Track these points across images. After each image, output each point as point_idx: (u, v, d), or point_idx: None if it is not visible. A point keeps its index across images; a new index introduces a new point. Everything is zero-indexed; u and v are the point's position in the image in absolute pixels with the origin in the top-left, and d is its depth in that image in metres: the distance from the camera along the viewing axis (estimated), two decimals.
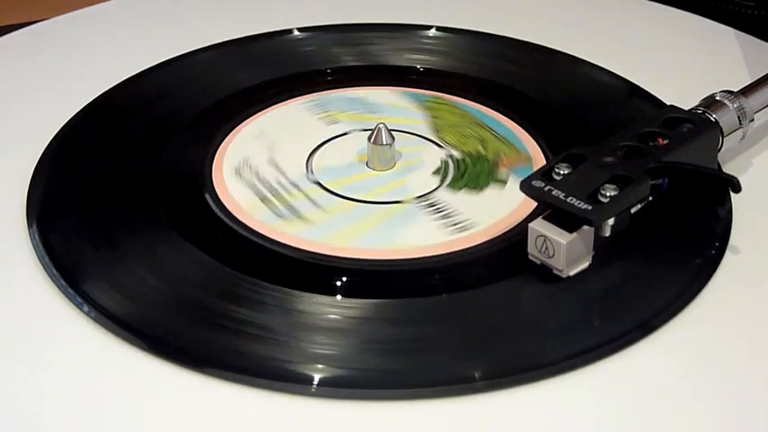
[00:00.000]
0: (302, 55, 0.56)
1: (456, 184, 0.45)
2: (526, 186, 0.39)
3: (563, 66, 0.55)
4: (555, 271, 0.38)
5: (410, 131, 0.49)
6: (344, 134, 0.49)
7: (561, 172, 0.39)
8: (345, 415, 0.34)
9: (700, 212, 0.42)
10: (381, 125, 0.46)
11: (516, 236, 0.41)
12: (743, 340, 0.37)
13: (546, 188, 0.39)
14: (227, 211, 0.43)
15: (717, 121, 0.44)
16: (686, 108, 0.44)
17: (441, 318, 0.38)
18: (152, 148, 0.47)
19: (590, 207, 0.38)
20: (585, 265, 0.39)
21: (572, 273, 0.38)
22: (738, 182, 0.39)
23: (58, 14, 0.61)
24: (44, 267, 0.40)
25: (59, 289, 0.38)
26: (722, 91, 0.45)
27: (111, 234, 0.42)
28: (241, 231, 0.42)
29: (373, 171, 0.46)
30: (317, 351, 0.36)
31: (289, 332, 0.37)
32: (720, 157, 0.45)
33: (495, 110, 0.51)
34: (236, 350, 0.36)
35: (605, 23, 0.61)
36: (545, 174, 0.39)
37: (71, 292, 0.38)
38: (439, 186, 0.45)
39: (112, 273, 0.39)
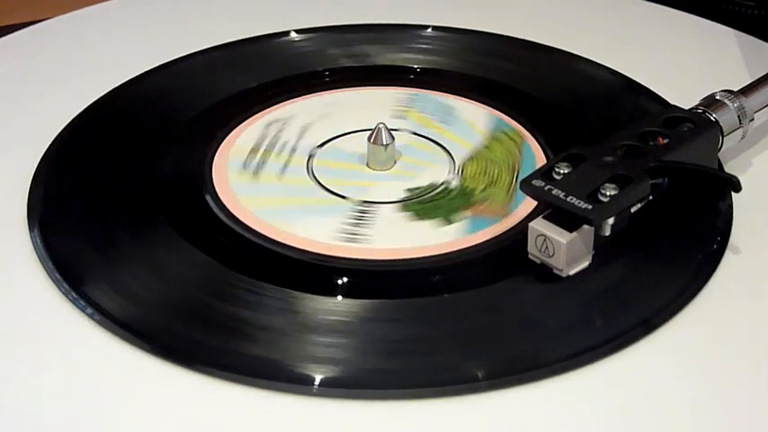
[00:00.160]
0: (302, 56, 0.56)
1: (411, 206, 0.44)
2: (526, 185, 0.39)
3: (563, 66, 0.55)
4: (555, 270, 0.38)
5: (446, 148, 0.48)
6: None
7: (561, 171, 0.39)
8: (346, 415, 0.34)
9: (700, 212, 0.42)
10: (381, 125, 0.46)
11: (516, 235, 0.41)
12: (743, 340, 0.37)
13: (546, 187, 0.39)
14: (228, 211, 0.43)
15: (717, 121, 0.43)
16: (686, 108, 0.44)
17: (440, 318, 0.38)
18: (152, 150, 0.47)
19: (590, 206, 0.38)
20: (585, 264, 0.39)
21: (572, 272, 0.38)
22: (738, 181, 0.39)
23: (59, 14, 0.61)
24: (44, 268, 0.40)
25: (60, 290, 0.39)
26: (722, 90, 0.45)
27: (111, 235, 0.42)
28: (241, 232, 0.42)
29: (371, 170, 0.46)
30: (318, 351, 0.36)
31: (289, 332, 0.37)
32: (721, 156, 0.45)
33: (497, 109, 0.51)
34: (236, 350, 0.36)
35: (604, 25, 0.61)
36: (545, 173, 0.39)
37: (73, 295, 0.38)
38: (397, 202, 0.44)
39: (113, 273, 0.39)
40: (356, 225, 0.42)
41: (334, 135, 0.49)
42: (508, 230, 0.42)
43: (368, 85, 0.53)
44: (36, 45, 0.58)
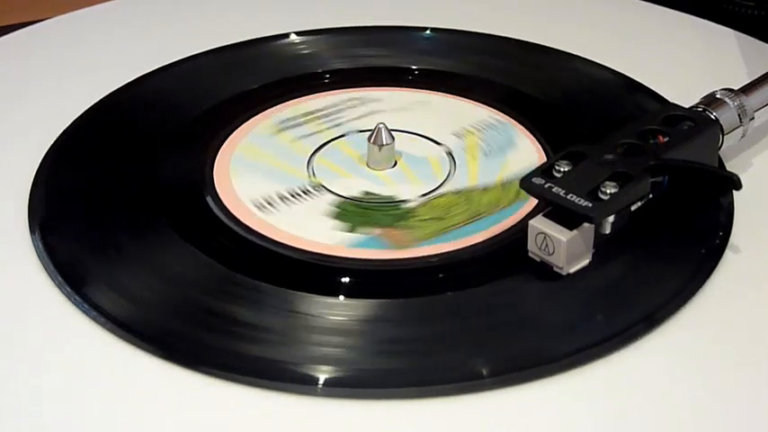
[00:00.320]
0: (301, 58, 0.56)
1: (346, 205, 0.44)
2: (527, 183, 0.39)
3: (563, 65, 0.55)
4: (555, 268, 0.38)
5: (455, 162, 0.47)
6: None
7: (561, 169, 0.39)
8: (349, 414, 0.34)
9: (700, 210, 0.42)
10: (381, 125, 0.46)
11: (516, 233, 0.41)
12: (744, 338, 0.37)
13: (546, 185, 0.39)
14: (229, 212, 0.43)
15: (717, 119, 0.43)
16: (686, 106, 0.44)
17: (440, 317, 0.38)
18: (153, 151, 0.47)
19: (590, 204, 0.38)
20: (586, 262, 0.39)
21: (572, 270, 0.38)
22: (739, 179, 0.39)
23: (59, 14, 0.61)
24: (45, 269, 0.40)
25: (61, 291, 0.39)
26: (722, 89, 0.45)
27: (112, 236, 0.42)
28: (242, 233, 0.42)
29: (371, 170, 0.46)
30: (319, 351, 0.36)
31: (290, 333, 0.37)
32: (721, 155, 0.45)
33: (498, 109, 0.51)
34: (237, 350, 0.36)
35: (604, 26, 0.61)
36: (545, 171, 0.39)
37: (76, 297, 0.38)
38: (341, 196, 0.44)
39: (114, 274, 0.39)
40: (286, 199, 0.44)
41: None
42: (508, 229, 0.42)
43: (367, 85, 0.53)
44: (35, 45, 0.58)
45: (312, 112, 0.51)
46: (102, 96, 0.51)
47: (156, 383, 0.35)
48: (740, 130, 0.44)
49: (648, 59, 0.56)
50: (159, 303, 0.38)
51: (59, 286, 0.39)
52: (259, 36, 0.58)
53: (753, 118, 0.45)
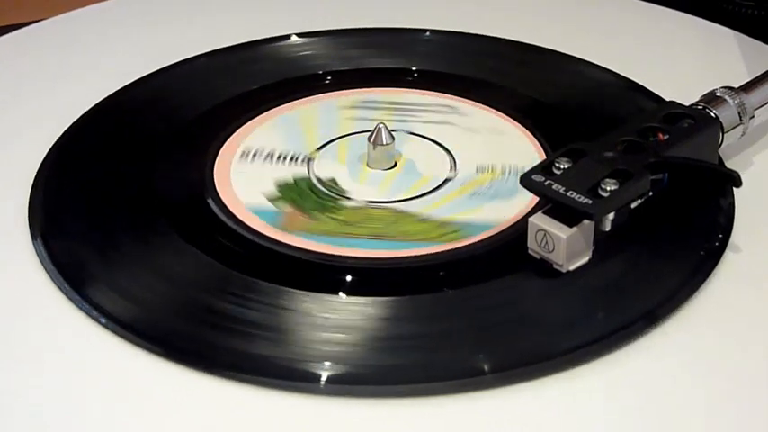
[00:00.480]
0: (300, 59, 0.56)
1: (298, 182, 0.45)
2: (526, 180, 0.39)
3: (563, 67, 0.55)
4: (555, 266, 0.38)
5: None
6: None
7: (561, 166, 0.39)
8: (351, 412, 0.34)
9: (700, 208, 0.42)
10: (381, 125, 0.46)
11: (516, 231, 0.41)
12: (744, 336, 0.37)
13: (546, 182, 0.39)
14: (230, 212, 0.43)
15: (717, 117, 0.43)
16: (686, 104, 0.44)
17: (441, 315, 0.38)
18: (153, 153, 0.47)
19: (590, 201, 0.38)
20: (585, 259, 0.39)
21: (572, 267, 0.38)
22: (739, 176, 0.39)
23: (58, 14, 0.61)
24: (46, 271, 0.40)
25: (61, 291, 0.39)
26: (723, 87, 0.45)
27: (112, 237, 0.42)
28: (243, 233, 0.42)
29: (367, 168, 0.46)
30: (321, 349, 0.36)
31: (292, 331, 0.37)
32: (721, 153, 0.45)
33: (498, 109, 0.51)
34: (238, 349, 0.36)
35: (604, 26, 0.61)
36: (545, 168, 0.39)
37: (76, 297, 0.38)
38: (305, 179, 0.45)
39: (114, 274, 0.39)
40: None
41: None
42: (508, 227, 0.42)
43: (366, 86, 0.53)
44: (35, 45, 0.58)
45: (396, 103, 0.51)
46: (102, 97, 0.51)
47: (157, 383, 0.35)
48: (740, 129, 0.44)
49: (648, 59, 0.56)
50: (160, 303, 0.38)
51: (59, 286, 0.39)
52: (259, 37, 0.58)
53: (753, 116, 0.45)
